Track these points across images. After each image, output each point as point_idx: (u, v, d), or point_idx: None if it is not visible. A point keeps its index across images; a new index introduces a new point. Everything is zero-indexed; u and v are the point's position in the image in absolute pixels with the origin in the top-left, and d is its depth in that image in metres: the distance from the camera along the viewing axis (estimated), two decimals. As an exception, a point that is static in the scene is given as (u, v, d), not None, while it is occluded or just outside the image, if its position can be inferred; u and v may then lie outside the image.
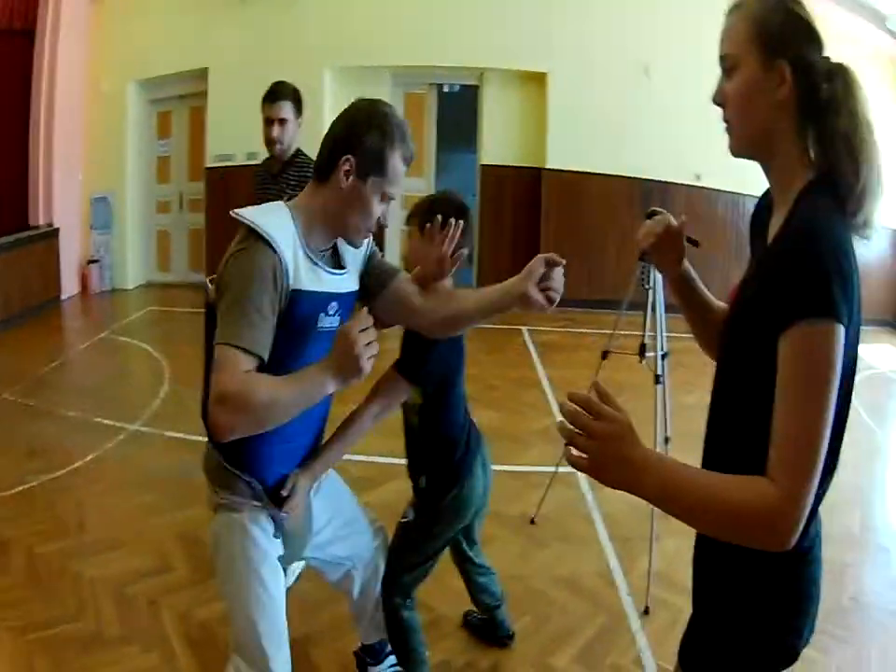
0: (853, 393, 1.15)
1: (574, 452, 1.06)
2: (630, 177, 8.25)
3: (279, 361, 1.57)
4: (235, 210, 1.61)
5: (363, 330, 1.49)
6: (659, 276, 3.14)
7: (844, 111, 1.12)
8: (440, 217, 1.85)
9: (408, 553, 2.27)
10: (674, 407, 3.43)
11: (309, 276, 1.63)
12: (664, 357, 3.26)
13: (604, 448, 1.05)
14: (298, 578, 2.92)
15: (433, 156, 8.85)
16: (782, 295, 1.05)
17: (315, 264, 1.65)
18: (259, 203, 1.72)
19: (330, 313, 1.71)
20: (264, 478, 1.78)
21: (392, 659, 2.36)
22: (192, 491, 3.22)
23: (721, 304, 1.49)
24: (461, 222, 1.86)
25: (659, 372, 3.22)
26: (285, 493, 1.80)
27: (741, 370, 1.18)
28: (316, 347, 1.66)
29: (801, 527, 1.03)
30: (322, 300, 1.68)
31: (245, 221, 1.59)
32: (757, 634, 1.21)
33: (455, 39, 8.09)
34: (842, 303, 1.02)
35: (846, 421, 1.14)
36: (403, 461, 2.30)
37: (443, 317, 1.83)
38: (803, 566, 1.20)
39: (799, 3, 1.16)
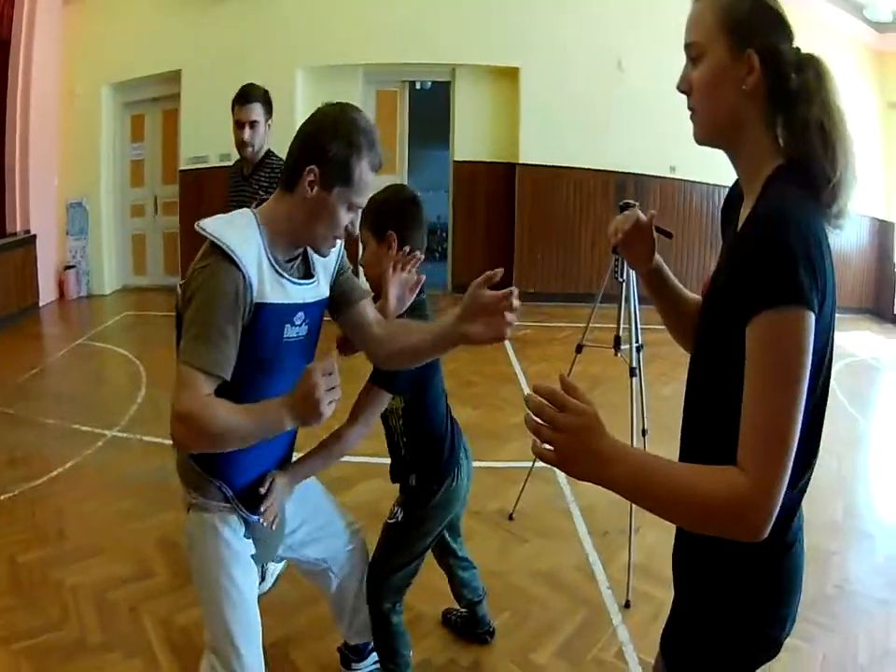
0: (832, 380, 1.14)
1: (540, 444, 1.05)
2: (604, 171, 8.27)
3: (245, 373, 1.57)
4: (200, 223, 1.59)
5: (328, 375, 1.46)
6: (632, 268, 3.16)
7: (816, 100, 1.12)
8: (407, 248, 1.92)
9: (397, 553, 2.24)
10: (651, 399, 3.43)
11: (274, 289, 1.61)
12: (639, 349, 3.26)
13: (570, 440, 1.03)
14: (277, 580, 2.95)
15: (406, 153, 8.84)
16: (749, 282, 1.03)
17: (281, 276, 1.63)
18: (233, 205, 1.69)
19: (297, 323, 1.69)
20: (234, 483, 1.78)
21: (375, 656, 2.36)
22: (170, 495, 3.20)
23: (694, 296, 1.48)
24: (422, 257, 1.91)
25: (634, 365, 3.22)
26: (263, 490, 1.81)
27: (714, 359, 1.17)
28: (283, 357, 1.68)
29: (773, 517, 1.02)
30: (288, 311, 1.66)
31: (210, 237, 1.56)
32: (739, 625, 1.21)
33: (427, 36, 8.05)
34: (810, 290, 1.01)
35: (824, 409, 1.14)
36: (379, 461, 2.30)
37: (400, 349, 1.81)
38: (785, 557, 1.20)
39: None
